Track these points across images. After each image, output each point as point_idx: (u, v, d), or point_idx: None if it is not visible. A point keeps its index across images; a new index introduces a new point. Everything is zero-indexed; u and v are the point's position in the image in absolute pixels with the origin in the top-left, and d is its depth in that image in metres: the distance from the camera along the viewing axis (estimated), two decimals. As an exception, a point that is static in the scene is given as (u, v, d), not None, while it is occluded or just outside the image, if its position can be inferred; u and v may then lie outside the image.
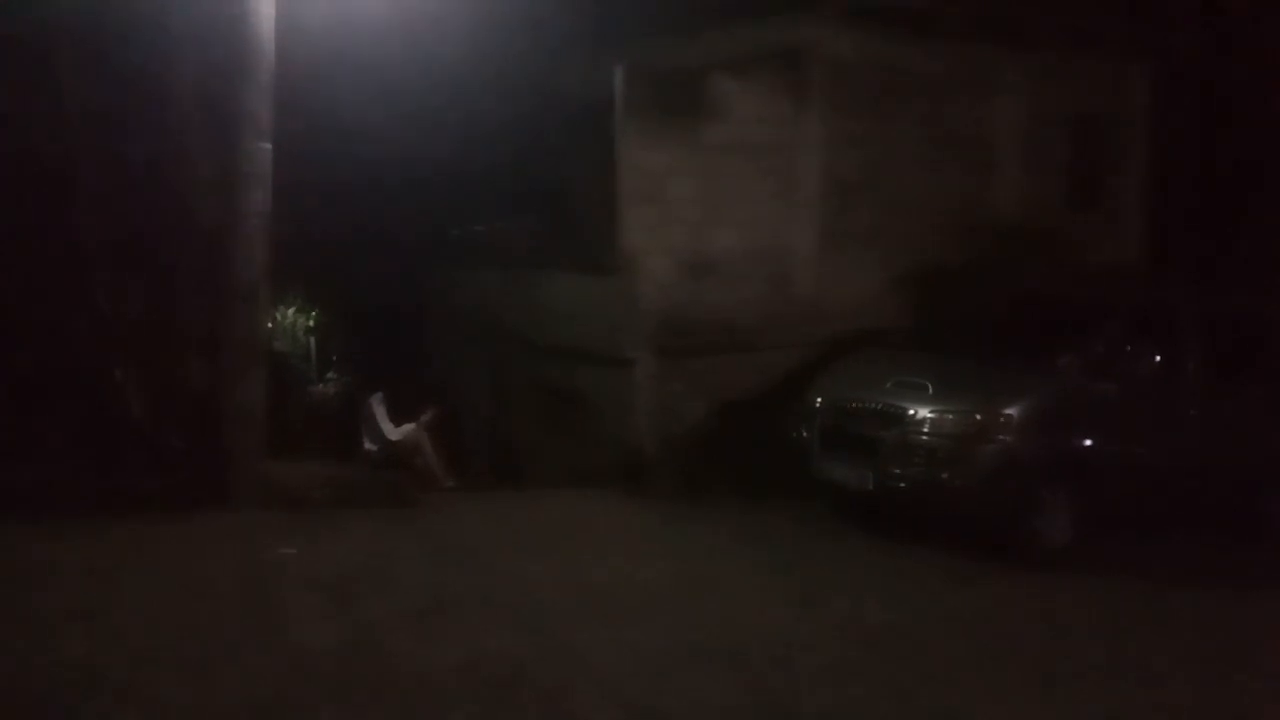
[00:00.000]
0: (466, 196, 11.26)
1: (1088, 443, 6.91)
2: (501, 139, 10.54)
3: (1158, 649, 5.47)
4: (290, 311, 13.56)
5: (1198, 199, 11.43)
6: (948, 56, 9.46)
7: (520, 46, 9.76)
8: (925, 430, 6.77)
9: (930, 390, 6.90)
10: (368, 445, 9.57)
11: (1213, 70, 11.36)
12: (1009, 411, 6.70)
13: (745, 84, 8.67)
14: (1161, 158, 10.93)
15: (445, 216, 11.45)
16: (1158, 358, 7.12)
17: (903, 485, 6.80)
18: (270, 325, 9.87)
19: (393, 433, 9.47)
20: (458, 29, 9.06)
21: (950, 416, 6.76)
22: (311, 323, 13.72)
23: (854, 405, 7.18)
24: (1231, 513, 7.56)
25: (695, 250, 8.53)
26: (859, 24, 8.95)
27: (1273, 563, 7.16)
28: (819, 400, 7.43)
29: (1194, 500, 7.38)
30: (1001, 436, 6.67)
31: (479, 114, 10.51)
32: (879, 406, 7.02)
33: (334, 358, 13.49)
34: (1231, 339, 7.58)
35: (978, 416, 6.71)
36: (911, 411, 6.84)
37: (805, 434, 7.42)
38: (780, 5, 8.73)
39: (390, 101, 10.33)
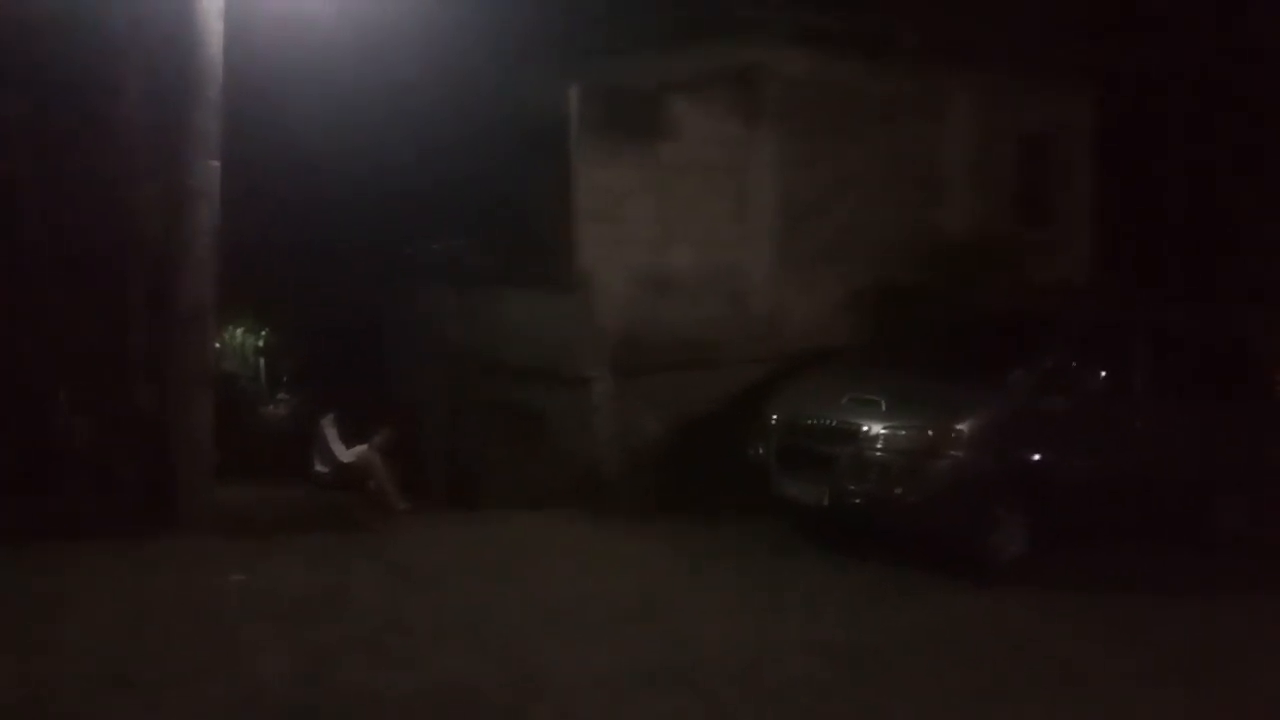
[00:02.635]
0: (422, 214, 11.19)
1: (1039, 457, 7.00)
2: (458, 156, 10.49)
3: (1116, 659, 5.53)
4: (240, 331, 13.36)
5: (1147, 214, 11.71)
6: (899, 78, 9.60)
7: (476, 64, 9.75)
8: (879, 446, 6.82)
9: (883, 406, 6.95)
10: (319, 467, 9.41)
11: (1161, 88, 11.67)
12: (961, 427, 6.77)
13: (700, 104, 8.73)
14: (1111, 175, 11.19)
15: (401, 234, 11.36)
16: (1107, 372, 7.24)
17: (857, 501, 6.84)
18: (219, 345, 9.71)
19: (345, 454, 9.31)
20: (413, 46, 9.03)
21: (903, 432, 6.81)
22: (262, 342, 13.52)
23: (809, 422, 7.22)
24: (1183, 523, 7.70)
25: (652, 268, 8.54)
26: (810, 45, 9.06)
27: (1224, 571, 7.29)
28: (775, 417, 7.46)
29: (1146, 512, 7.49)
30: (953, 452, 6.72)
31: (435, 131, 10.47)
32: (834, 423, 7.06)
33: (285, 378, 13.30)
34: (1180, 351, 7.74)
35: (930, 432, 6.77)
36: (865, 428, 6.89)
37: (762, 451, 7.44)
38: (730, 26, 8.80)
39: (345, 118, 10.25)
